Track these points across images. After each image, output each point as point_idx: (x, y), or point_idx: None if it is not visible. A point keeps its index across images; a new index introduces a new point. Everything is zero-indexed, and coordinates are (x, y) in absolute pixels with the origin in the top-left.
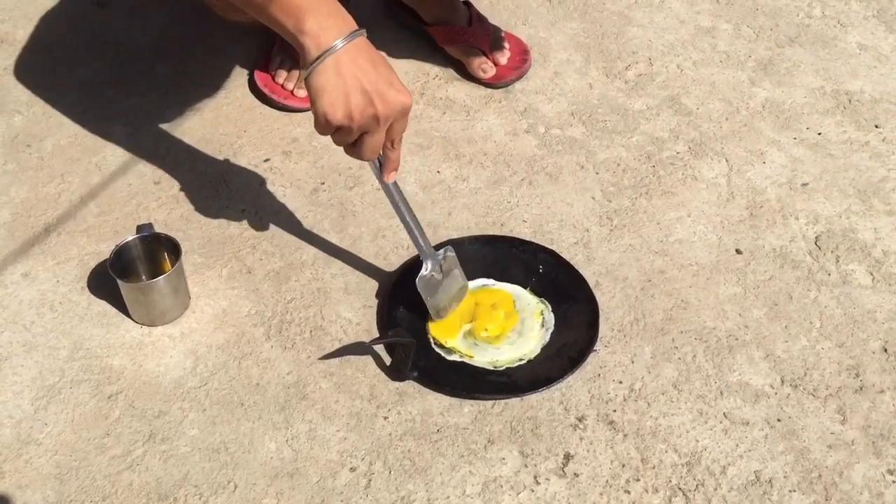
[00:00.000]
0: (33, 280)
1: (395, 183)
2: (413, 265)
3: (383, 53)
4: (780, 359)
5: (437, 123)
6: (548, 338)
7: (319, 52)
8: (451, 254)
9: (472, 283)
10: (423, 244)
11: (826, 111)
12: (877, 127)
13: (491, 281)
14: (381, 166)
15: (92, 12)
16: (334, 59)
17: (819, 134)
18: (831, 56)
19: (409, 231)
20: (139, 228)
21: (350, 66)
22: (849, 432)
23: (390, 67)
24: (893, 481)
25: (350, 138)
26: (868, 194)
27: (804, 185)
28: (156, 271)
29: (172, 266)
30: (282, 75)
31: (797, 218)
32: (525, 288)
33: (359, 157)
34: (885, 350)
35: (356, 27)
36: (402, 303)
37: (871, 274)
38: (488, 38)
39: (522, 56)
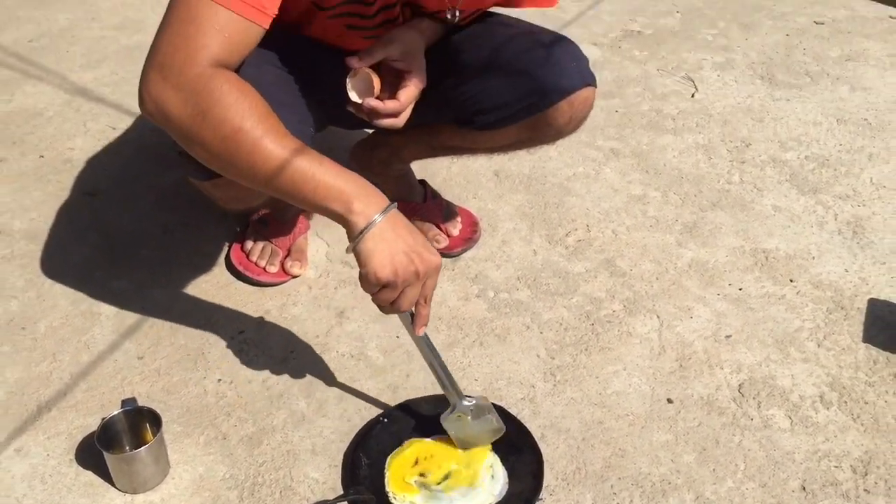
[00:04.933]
0: (25, 455)
1: (425, 334)
2: (372, 426)
3: None
4: (709, 500)
5: None
6: (498, 489)
7: (365, 225)
8: (487, 403)
9: (428, 438)
10: (451, 388)
11: (746, 268)
12: (791, 281)
13: (446, 436)
14: (413, 321)
15: (84, 202)
16: (378, 228)
17: (740, 289)
18: (749, 218)
19: (438, 377)
20: (123, 403)
21: (391, 233)
22: None
23: (420, 233)
24: None
25: (394, 294)
26: (785, 343)
27: (728, 336)
28: (139, 442)
29: (154, 436)
30: (255, 253)
31: (722, 368)
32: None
33: (397, 309)
34: (804, 489)
35: (390, 202)
36: (364, 461)
37: (790, 418)
38: (441, 212)
39: (473, 227)
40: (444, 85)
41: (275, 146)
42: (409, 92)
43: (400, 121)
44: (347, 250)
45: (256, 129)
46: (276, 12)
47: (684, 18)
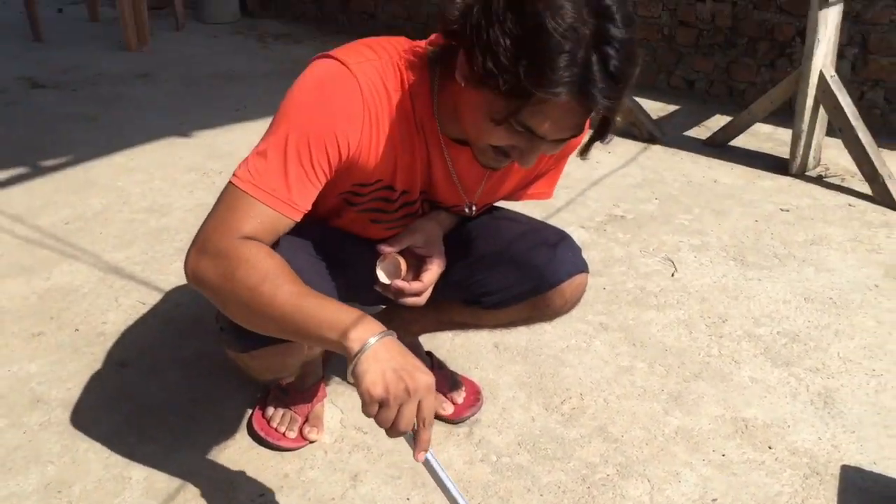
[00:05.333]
0: None
1: (433, 455)
2: None
3: None
4: None
5: (406, 457)
6: None
7: (360, 348)
8: None
9: None
10: None
11: (728, 435)
12: (770, 448)
13: None
14: (414, 446)
15: (115, 373)
16: (372, 351)
17: (723, 455)
18: (729, 388)
19: (449, 498)
20: None
21: (384, 354)
22: None
23: (416, 357)
24: None
25: (391, 414)
26: None
27: (714, 500)
28: None
29: None
30: (276, 419)
31: None
32: None
33: (397, 431)
34: None
35: (386, 329)
36: None
37: None
38: (447, 382)
39: (475, 396)
40: (455, 268)
41: (289, 295)
42: (431, 274)
43: (422, 299)
44: (348, 377)
45: (276, 281)
46: (309, 207)
47: (662, 205)
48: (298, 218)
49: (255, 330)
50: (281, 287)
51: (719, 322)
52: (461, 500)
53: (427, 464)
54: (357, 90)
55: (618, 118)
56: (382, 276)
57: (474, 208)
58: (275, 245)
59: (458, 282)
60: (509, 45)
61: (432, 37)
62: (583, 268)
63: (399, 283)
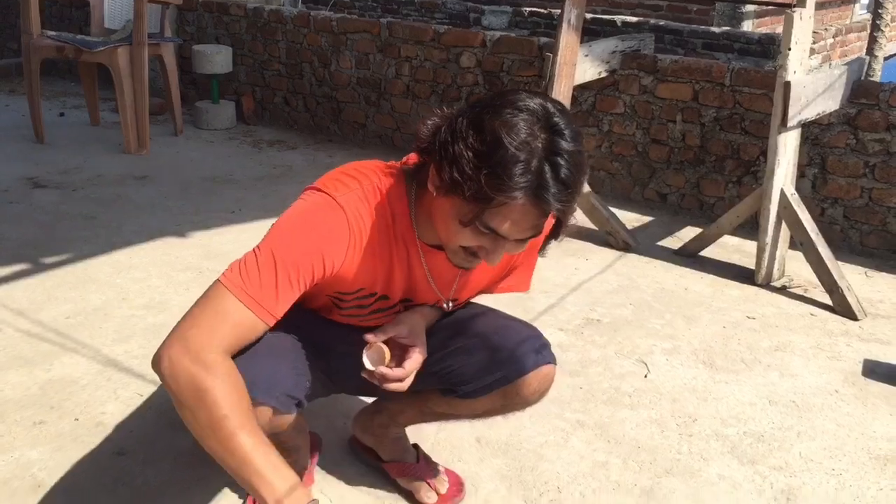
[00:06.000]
0: None
1: None
2: None
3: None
4: None
5: None
6: None
7: None
8: None
9: None
10: None
11: None
12: None
13: None
14: None
15: (113, 460)
16: None
17: None
18: (698, 484)
19: None
20: None
21: None
22: None
23: None
24: None
25: None
26: None
27: None
28: None
29: None
30: None
31: None
32: None
33: None
34: None
35: (312, 500)
36: None
37: None
38: (431, 472)
39: (458, 487)
40: (434, 358)
41: (243, 444)
42: (413, 363)
43: (404, 385)
44: None
45: (236, 421)
46: (281, 315)
47: (636, 310)
48: (272, 324)
49: (200, 443)
50: (238, 433)
51: (689, 421)
52: None
53: None
54: (343, 219)
55: (571, 220)
56: (367, 363)
57: (451, 304)
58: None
59: (436, 372)
60: (472, 157)
61: (405, 158)
62: (549, 360)
63: (382, 369)
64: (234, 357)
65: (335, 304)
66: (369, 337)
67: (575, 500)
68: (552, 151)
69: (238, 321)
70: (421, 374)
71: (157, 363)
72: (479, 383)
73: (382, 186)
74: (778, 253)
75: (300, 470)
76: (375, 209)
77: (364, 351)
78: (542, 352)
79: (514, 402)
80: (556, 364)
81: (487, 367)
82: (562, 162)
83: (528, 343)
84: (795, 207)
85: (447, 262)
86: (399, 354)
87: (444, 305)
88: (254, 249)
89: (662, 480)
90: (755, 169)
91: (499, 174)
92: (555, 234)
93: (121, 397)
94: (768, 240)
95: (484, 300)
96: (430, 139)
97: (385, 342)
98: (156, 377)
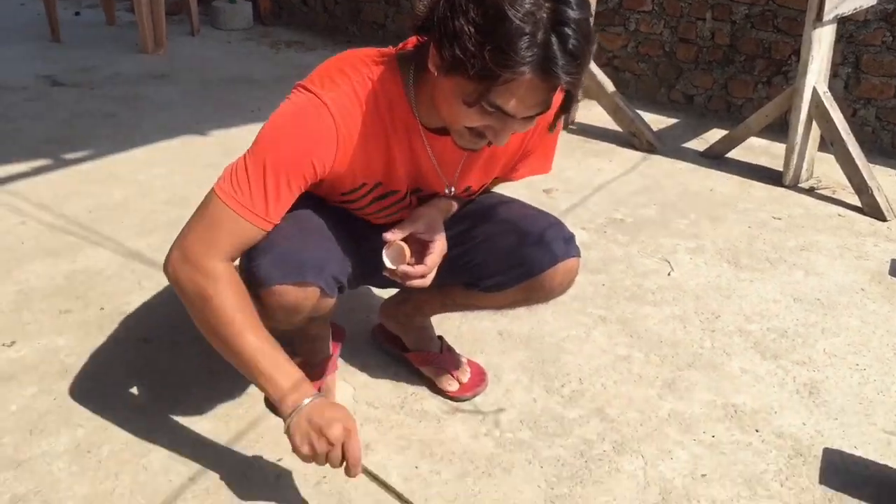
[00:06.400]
0: None
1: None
2: None
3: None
4: None
5: (415, 429)
6: None
7: (291, 412)
8: None
9: None
10: None
11: (718, 419)
12: (757, 431)
13: None
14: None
15: (139, 347)
16: (297, 418)
17: (713, 437)
18: (720, 377)
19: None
20: None
21: (310, 415)
22: None
23: (340, 409)
24: None
25: (321, 461)
26: (753, 483)
27: (703, 475)
28: None
29: None
30: None
31: (699, 502)
32: None
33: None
34: None
35: (314, 393)
36: None
37: None
38: (454, 362)
39: (481, 377)
40: (455, 253)
41: (247, 345)
42: (434, 258)
43: (426, 281)
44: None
45: (242, 326)
46: (279, 220)
47: (660, 210)
48: (269, 229)
49: (208, 339)
50: (243, 334)
51: (712, 318)
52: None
53: (365, 472)
54: (329, 118)
55: (580, 93)
56: (388, 262)
57: (454, 189)
58: (303, 217)
59: (458, 266)
60: (473, 33)
61: (403, 42)
62: (574, 253)
63: (404, 267)
64: (286, 238)
65: (345, 204)
66: (387, 236)
67: (596, 391)
68: (558, 21)
69: (232, 230)
70: (443, 269)
71: (165, 269)
72: (502, 277)
73: (373, 75)
74: (807, 153)
75: (324, 357)
76: (366, 100)
77: (384, 250)
78: (566, 245)
79: (537, 295)
80: (580, 257)
81: (510, 260)
82: (569, 32)
83: (551, 236)
84: (827, 106)
85: (453, 146)
86: (419, 250)
87: (447, 191)
88: (244, 155)
89: (684, 373)
90: (786, 69)
91: (503, 49)
92: (565, 108)
93: (145, 288)
94: (798, 139)
95: (506, 191)
96: (427, 16)
97: (404, 239)
98: None
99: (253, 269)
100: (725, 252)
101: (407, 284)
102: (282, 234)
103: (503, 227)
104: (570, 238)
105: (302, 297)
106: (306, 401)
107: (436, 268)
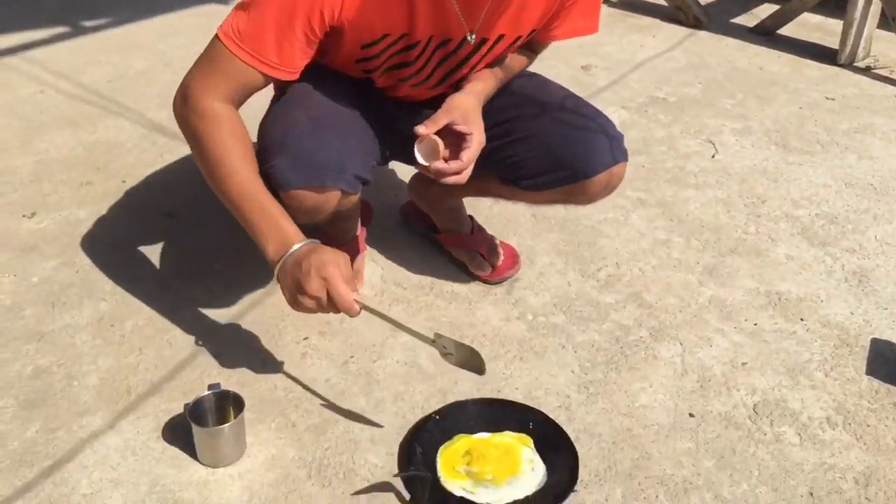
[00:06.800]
0: (118, 431)
1: (361, 304)
2: (426, 421)
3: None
4: (727, 499)
5: (444, 311)
6: (537, 480)
7: (275, 266)
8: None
9: (475, 435)
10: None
11: (760, 307)
12: (802, 320)
13: (490, 433)
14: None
15: (162, 222)
16: (282, 271)
17: (755, 324)
18: (764, 264)
19: (395, 324)
20: (210, 386)
21: (290, 272)
22: None
23: (316, 258)
24: None
25: (310, 304)
26: (796, 372)
27: (744, 364)
28: (222, 423)
29: (236, 417)
30: None
31: (738, 389)
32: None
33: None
34: (812, 494)
35: (298, 244)
36: (419, 450)
37: (799, 435)
38: (486, 243)
39: (513, 259)
40: (494, 146)
41: (238, 185)
42: (471, 153)
43: (463, 178)
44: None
45: (232, 166)
46: (294, 67)
47: (705, 89)
48: (277, 75)
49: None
50: (231, 177)
51: (758, 202)
52: (405, 326)
53: (364, 308)
54: None
55: None
56: (420, 159)
57: (474, 37)
58: (322, 107)
59: (496, 161)
60: None
61: None
62: (621, 158)
63: (438, 164)
64: (301, 136)
65: (366, 71)
66: (419, 129)
67: (634, 276)
68: None
69: (228, 71)
70: (479, 162)
71: (176, 119)
72: (544, 178)
73: None
74: (865, 30)
75: (354, 236)
76: None
77: (416, 145)
78: (615, 149)
79: (579, 198)
80: (627, 161)
81: (553, 162)
82: None
83: (599, 138)
84: None
85: None
86: (455, 143)
87: (468, 38)
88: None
89: (726, 259)
90: None
91: None
92: None
93: (167, 161)
94: (857, 15)
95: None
96: None
97: (438, 133)
98: None
99: (270, 171)
100: (774, 134)
101: (441, 181)
102: (298, 129)
103: (546, 124)
104: (618, 139)
105: (322, 200)
106: (290, 250)
107: (472, 163)
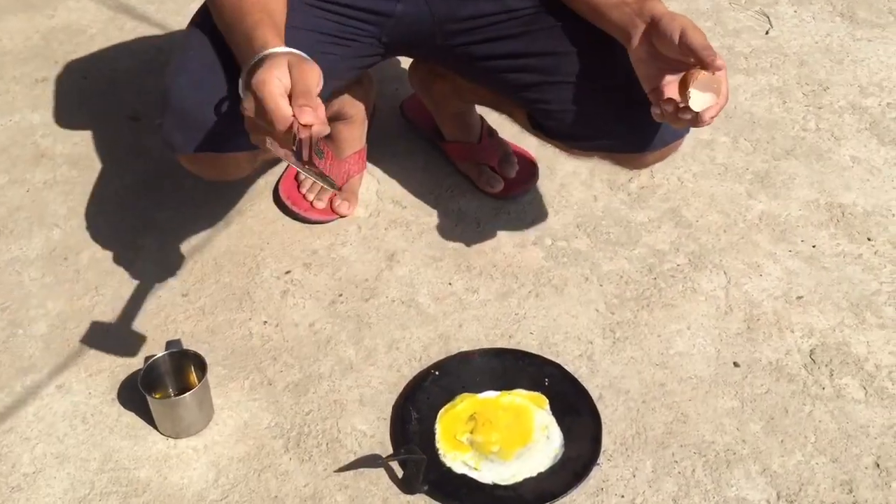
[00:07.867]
0: (67, 391)
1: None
2: (422, 378)
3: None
4: (777, 474)
5: (449, 234)
6: (553, 452)
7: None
8: None
9: (481, 394)
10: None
11: (820, 224)
12: (869, 240)
13: (498, 391)
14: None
15: (128, 127)
16: (242, 84)
17: (813, 247)
18: (825, 169)
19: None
20: (168, 345)
21: (247, 84)
22: None
23: (265, 70)
24: None
25: (251, 126)
26: (861, 307)
27: (799, 298)
28: (183, 385)
29: (199, 380)
30: (306, 185)
31: (792, 331)
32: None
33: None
34: (878, 465)
35: (262, 50)
36: (414, 415)
37: (864, 388)
38: (497, 153)
39: (530, 169)
40: (526, 80)
41: None
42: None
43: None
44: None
45: None
46: None
47: None
48: None
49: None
50: None
51: (819, 90)
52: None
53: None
54: None
55: None
56: (696, 104)
57: None
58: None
59: (527, 98)
60: None
61: None
62: (682, 134)
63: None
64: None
65: None
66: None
67: (671, 187)
68: None
69: None
70: (507, 90)
71: None
72: (587, 143)
73: None
74: None
75: (356, 149)
76: None
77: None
78: (675, 129)
79: (624, 165)
80: (684, 137)
81: (602, 125)
82: None
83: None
84: None
85: None
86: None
87: None
88: None
89: (781, 164)
90: None
91: None
92: None
93: (135, 52)
94: None
95: None
96: None
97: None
98: (176, 25)
99: (162, 133)
100: (839, 3)
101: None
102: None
103: (598, 74)
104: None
105: (221, 170)
106: (247, 67)
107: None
